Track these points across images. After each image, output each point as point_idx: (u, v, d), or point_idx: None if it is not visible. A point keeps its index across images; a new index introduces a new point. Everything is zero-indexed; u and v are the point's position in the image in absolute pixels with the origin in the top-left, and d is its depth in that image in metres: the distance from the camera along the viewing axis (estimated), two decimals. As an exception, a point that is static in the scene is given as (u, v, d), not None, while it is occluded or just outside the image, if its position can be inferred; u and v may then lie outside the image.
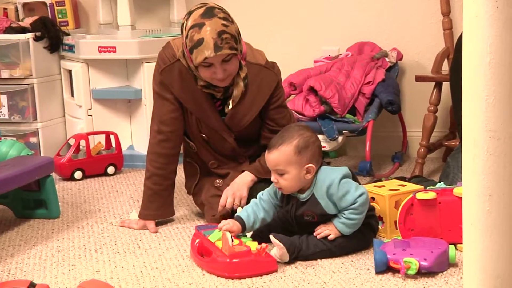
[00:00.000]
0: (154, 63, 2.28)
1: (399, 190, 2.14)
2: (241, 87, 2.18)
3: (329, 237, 1.93)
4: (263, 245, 1.85)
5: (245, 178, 2.21)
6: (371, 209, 2.02)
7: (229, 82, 2.15)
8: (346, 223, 1.92)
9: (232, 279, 1.81)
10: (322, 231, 1.93)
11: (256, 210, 1.99)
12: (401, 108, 3.02)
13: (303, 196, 1.95)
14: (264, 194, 2.02)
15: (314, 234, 1.94)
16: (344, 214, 1.92)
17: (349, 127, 2.78)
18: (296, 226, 2.01)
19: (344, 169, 1.95)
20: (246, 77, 2.19)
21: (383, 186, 2.19)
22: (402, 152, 3.16)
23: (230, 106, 2.20)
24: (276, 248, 1.89)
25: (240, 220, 1.97)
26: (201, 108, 2.22)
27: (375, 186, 2.20)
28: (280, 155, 1.91)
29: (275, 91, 2.23)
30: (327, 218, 1.95)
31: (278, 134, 1.96)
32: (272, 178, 1.95)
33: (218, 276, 1.83)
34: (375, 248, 1.84)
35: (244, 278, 1.81)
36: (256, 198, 2.03)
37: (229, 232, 1.91)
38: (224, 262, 1.82)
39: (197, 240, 1.97)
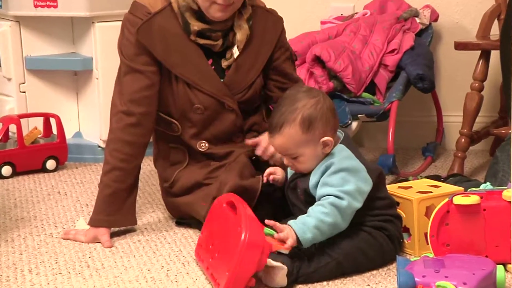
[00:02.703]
0: (108, 23, 2.29)
1: (431, 192, 2.16)
2: (245, 30, 2.30)
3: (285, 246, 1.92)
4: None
5: None
6: (392, 215, 2.06)
7: (230, 14, 2.25)
8: (308, 222, 1.92)
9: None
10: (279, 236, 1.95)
11: None
12: (435, 84, 3.04)
13: None
14: None
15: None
16: (308, 211, 1.96)
17: (367, 110, 2.79)
18: (287, 204, 2.10)
19: (358, 165, 1.98)
20: (251, 18, 2.31)
21: (411, 187, 2.21)
22: (436, 143, 3.18)
23: (236, 54, 2.29)
24: (273, 270, 1.91)
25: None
26: (195, 68, 2.29)
27: (399, 187, 2.21)
28: (285, 139, 1.99)
29: (281, 37, 2.37)
30: (312, 201, 1.99)
31: (276, 110, 2.03)
32: (286, 163, 2.05)
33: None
34: (399, 269, 1.86)
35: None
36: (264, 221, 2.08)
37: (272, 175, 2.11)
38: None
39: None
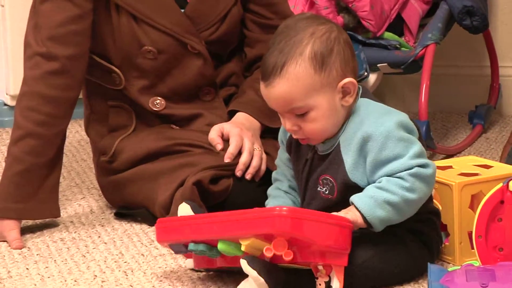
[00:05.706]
0: None
1: (479, 175, 2.19)
2: None
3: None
4: None
5: (252, 123, 2.31)
6: (431, 211, 2.08)
7: None
8: (378, 196, 1.92)
9: None
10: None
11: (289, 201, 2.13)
12: (489, 22, 3.05)
13: (323, 147, 2.00)
14: (279, 175, 2.14)
15: None
16: (381, 181, 1.94)
17: (390, 57, 2.82)
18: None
19: (401, 116, 1.97)
20: None
21: (450, 167, 2.23)
22: (488, 105, 3.20)
23: None
24: (249, 282, 1.95)
25: None
26: None
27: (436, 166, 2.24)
28: (290, 84, 1.93)
29: None
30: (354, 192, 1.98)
31: (272, 47, 1.96)
32: (288, 127, 1.99)
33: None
34: (432, 282, 1.89)
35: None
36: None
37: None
38: None
39: None
